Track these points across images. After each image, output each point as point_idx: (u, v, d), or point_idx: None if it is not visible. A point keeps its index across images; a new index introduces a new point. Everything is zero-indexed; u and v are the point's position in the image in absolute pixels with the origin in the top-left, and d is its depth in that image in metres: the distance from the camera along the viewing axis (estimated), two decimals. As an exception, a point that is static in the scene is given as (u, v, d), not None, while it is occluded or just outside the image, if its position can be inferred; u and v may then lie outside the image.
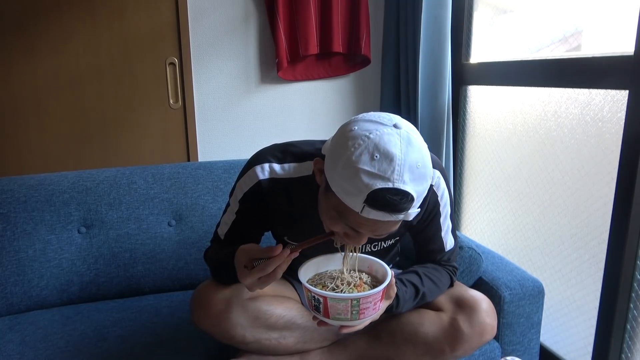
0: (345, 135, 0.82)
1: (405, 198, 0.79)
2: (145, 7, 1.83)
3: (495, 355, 1.26)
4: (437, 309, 1.09)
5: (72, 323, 1.31)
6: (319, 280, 0.96)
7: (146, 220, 1.49)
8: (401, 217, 0.81)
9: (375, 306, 0.91)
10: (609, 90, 1.26)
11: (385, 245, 1.14)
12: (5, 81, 1.76)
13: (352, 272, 0.97)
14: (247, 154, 1.16)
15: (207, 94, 1.99)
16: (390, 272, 0.95)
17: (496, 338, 1.27)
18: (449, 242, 1.13)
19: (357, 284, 0.94)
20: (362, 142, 0.79)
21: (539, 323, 1.30)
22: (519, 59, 1.58)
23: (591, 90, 1.32)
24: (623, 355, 1.27)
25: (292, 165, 1.03)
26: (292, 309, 1.10)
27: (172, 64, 1.90)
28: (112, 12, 1.80)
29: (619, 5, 1.27)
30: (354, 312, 0.88)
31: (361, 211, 0.80)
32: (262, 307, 1.06)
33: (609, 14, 1.31)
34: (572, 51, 1.43)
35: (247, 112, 2.06)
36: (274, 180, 1.02)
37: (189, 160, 2.00)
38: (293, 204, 1.04)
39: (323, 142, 1.04)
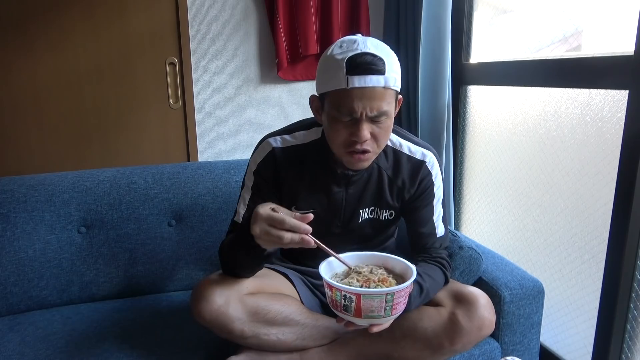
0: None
1: (375, 58, 0.95)
2: (145, 7, 1.83)
3: (495, 355, 1.26)
4: (436, 304, 1.10)
5: (72, 323, 1.31)
6: (339, 280, 0.95)
7: (146, 220, 1.49)
8: (382, 80, 0.95)
9: (405, 300, 0.91)
10: (609, 90, 1.26)
11: (382, 219, 1.18)
12: (5, 81, 1.76)
13: (372, 269, 0.98)
14: (247, 154, 1.18)
15: (207, 94, 2.00)
16: (412, 265, 0.96)
17: (496, 338, 1.27)
18: (439, 228, 1.18)
19: (381, 279, 0.93)
20: (331, 45, 1.01)
21: (539, 323, 1.30)
22: (519, 59, 1.58)
23: (591, 90, 1.32)
24: (623, 355, 1.27)
25: (302, 132, 1.16)
26: (291, 306, 1.11)
27: (172, 64, 1.90)
28: (111, 12, 1.80)
29: (619, 5, 1.27)
30: (387, 307, 0.87)
31: (347, 84, 0.94)
32: (261, 302, 1.07)
33: (609, 14, 1.31)
34: (572, 51, 1.43)
35: (247, 112, 2.06)
36: (286, 149, 1.13)
37: (189, 160, 2.00)
38: (304, 169, 1.13)
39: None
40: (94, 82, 1.84)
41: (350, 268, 0.99)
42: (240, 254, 1.02)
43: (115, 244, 1.47)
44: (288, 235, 0.88)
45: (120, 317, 1.34)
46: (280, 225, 0.88)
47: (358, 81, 0.94)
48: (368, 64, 0.94)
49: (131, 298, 1.48)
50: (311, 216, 0.90)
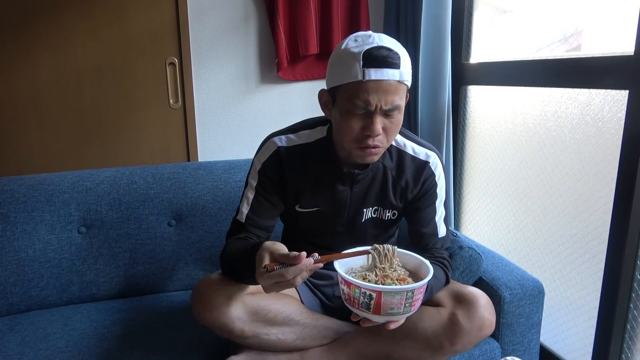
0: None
1: (391, 52, 0.96)
2: (145, 7, 1.83)
3: (495, 355, 1.26)
4: (436, 304, 1.10)
5: (72, 323, 1.31)
6: (354, 275, 0.93)
7: (146, 220, 1.49)
8: (397, 74, 0.96)
9: (422, 296, 0.91)
10: (609, 90, 1.26)
11: (385, 218, 1.18)
12: (5, 81, 1.76)
13: (389, 265, 0.96)
14: (247, 154, 1.18)
15: (207, 94, 2.00)
16: (426, 260, 0.96)
17: (496, 338, 1.27)
18: (441, 229, 1.18)
19: (400, 278, 0.92)
20: (344, 40, 1.02)
21: (539, 323, 1.30)
22: (519, 59, 1.58)
23: (591, 90, 1.32)
24: (623, 355, 1.27)
25: (306, 131, 1.15)
26: (291, 305, 1.11)
27: (172, 64, 1.90)
28: (111, 12, 1.80)
29: (619, 5, 1.27)
30: (407, 304, 0.86)
31: (363, 77, 0.95)
32: (261, 302, 1.07)
33: (609, 14, 1.31)
34: (572, 51, 1.43)
35: (247, 112, 2.06)
36: (291, 149, 1.13)
37: (189, 160, 2.00)
38: (309, 168, 1.13)
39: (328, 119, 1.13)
40: (94, 82, 1.84)
41: (370, 252, 0.96)
42: (246, 280, 1.03)
43: (115, 244, 1.47)
44: (298, 280, 0.87)
45: (120, 317, 1.34)
46: (284, 278, 0.87)
47: (375, 74, 0.95)
48: (385, 57, 0.95)
49: (131, 298, 1.48)
50: (304, 254, 0.86)
